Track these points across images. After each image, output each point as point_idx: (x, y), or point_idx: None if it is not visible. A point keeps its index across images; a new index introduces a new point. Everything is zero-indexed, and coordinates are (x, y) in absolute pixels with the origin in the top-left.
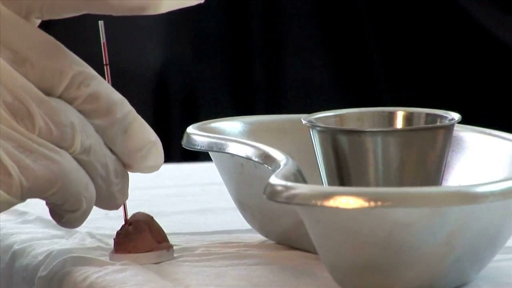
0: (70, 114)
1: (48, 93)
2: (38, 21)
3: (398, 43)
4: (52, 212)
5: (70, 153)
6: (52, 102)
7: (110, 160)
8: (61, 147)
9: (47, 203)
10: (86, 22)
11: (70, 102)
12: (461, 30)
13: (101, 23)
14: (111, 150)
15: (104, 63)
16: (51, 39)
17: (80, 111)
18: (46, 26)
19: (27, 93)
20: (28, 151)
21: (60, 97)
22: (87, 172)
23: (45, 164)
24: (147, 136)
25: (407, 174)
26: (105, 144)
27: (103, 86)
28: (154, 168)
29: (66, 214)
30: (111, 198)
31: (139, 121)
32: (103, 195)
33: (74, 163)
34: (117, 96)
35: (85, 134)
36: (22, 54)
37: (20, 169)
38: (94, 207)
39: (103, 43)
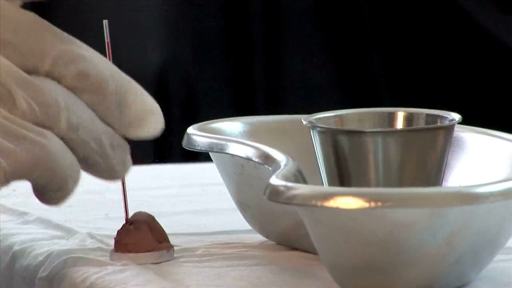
0: (55, 93)
1: (32, 72)
2: (19, 2)
3: (398, 44)
4: (35, 190)
5: (56, 133)
6: (35, 82)
7: (105, 134)
8: (46, 127)
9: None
10: (88, 21)
11: (58, 80)
12: (461, 30)
13: (105, 22)
14: (107, 123)
15: None
16: (34, 18)
17: (70, 89)
18: (48, 21)
19: (8, 75)
20: (10, 135)
21: (47, 75)
22: (78, 149)
23: (28, 147)
24: (143, 105)
25: (407, 175)
26: (100, 117)
27: (93, 63)
28: (153, 134)
29: (50, 192)
30: (111, 171)
31: (134, 92)
32: (102, 169)
33: (60, 144)
34: (108, 69)
35: (73, 111)
36: (3, 35)
37: (3, 154)
38: (94, 208)
39: (107, 43)
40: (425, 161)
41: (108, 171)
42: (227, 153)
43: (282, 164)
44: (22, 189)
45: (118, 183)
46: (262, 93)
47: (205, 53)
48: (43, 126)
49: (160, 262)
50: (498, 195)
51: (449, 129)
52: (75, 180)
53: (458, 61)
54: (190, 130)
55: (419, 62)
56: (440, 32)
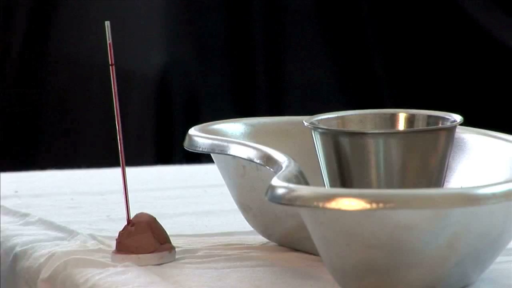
0: None
1: None
2: None
3: (400, 45)
4: None
5: None
6: None
7: None
8: None
9: None
10: (90, 23)
11: None
12: (463, 32)
13: (107, 23)
14: None
15: (110, 63)
16: None
17: None
18: (48, 22)
19: None
20: None
21: None
22: None
23: None
24: None
25: (409, 176)
26: None
27: None
28: None
29: None
30: None
31: None
32: None
33: None
34: None
35: None
36: None
37: None
38: (96, 209)
39: (109, 44)
40: (426, 162)
41: None
42: (229, 155)
43: (284, 166)
44: (24, 190)
45: (120, 184)
46: (264, 94)
47: (207, 55)
48: None
49: (162, 264)
50: (500, 196)
51: (451, 130)
52: None
53: (460, 62)
54: (192, 131)
55: (421, 63)
56: (442, 34)
